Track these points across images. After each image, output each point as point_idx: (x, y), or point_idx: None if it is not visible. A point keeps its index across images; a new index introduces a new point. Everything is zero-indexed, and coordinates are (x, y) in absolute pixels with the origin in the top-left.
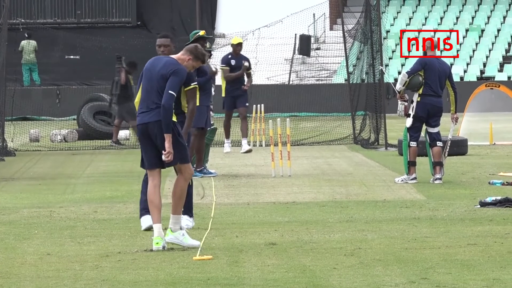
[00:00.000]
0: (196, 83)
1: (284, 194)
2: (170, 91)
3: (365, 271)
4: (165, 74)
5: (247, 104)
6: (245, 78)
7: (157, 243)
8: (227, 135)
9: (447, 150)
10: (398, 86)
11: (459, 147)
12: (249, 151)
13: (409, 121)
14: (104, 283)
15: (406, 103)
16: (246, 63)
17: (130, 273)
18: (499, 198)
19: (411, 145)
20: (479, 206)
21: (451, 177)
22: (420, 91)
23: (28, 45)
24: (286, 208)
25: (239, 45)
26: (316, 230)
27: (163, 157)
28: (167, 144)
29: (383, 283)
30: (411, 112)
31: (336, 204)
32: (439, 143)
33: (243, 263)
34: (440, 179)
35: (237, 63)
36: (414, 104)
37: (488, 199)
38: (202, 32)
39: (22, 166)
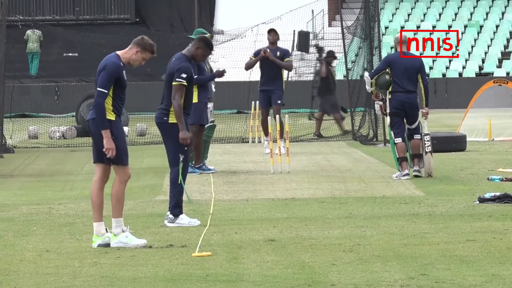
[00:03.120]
0: (180, 80)
1: (283, 191)
2: (98, 88)
3: (364, 267)
4: (99, 70)
5: (279, 101)
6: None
7: (93, 241)
8: (266, 133)
9: (429, 145)
10: (367, 87)
11: (458, 143)
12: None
13: (388, 120)
14: (103, 280)
15: (381, 103)
16: (268, 50)
17: (129, 270)
18: (498, 194)
19: (396, 141)
20: (478, 202)
21: (450, 173)
22: (390, 89)
23: (33, 34)
24: (285, 204)
25: (270, 32)
26: (315, 226)
27: (107, 154)
28: (105, 140)
29: (382, 279)
30: (387, 111)
31: (335, 200)
32: (417, 136)
33: (242, 259)
34: (418, 171)
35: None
36: (387, 102)
37: (487, 195)
38: (208, 35)
39: (21, 163)
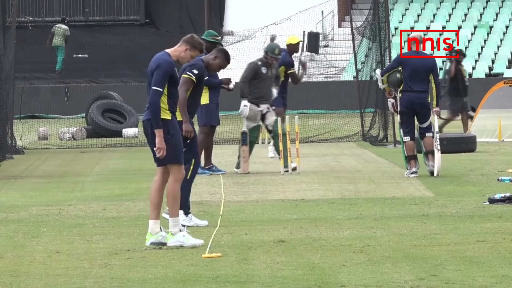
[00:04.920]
0: (190, 74)
1: (293, 191)
2: (153, 87)
3: (374, 268)
4: (152, 70)
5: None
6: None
7: (147, 239)
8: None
9: (438, 143)
10: (379, 84)
11: (467, 144)
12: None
13: (398, 118)
14: (113, 281)
15: (393, 100)
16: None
17: (139, 271)
18: (508, 194)
19: (404, 140)
20: (488, 203)
21: (460, 174)
22: (401, 88)
23: (58, 29)
24: (295, 205)
25: (297, 44)
26: (325, 227)
27: (156, 154)
28: (158, 140)
29: (392, 280)
30: (398, 109)
31: (345, 201)
32: (429, 134)
33: (252, 260)
34: (434, 166)
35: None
36: (398, 100)
37: (497, 196)
38: (219, 38)
39: (31, 164)
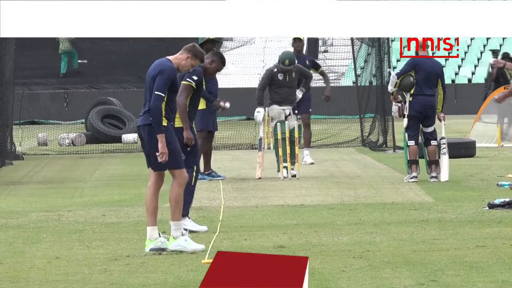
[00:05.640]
0: (189, 81)
1: (292, 197)
2: (155, 92)
3: (374, 274)
4: (154, 75)
5: (310, 110)
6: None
7: (146, 245)
8: None
9: (445, 148)
10: (390, 88)
11: (467, 149)
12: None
13: (405, 122)
14: (113, 287)
15: (399, 104)
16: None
17: (139, 277)
18: (507, 200)
19: (409, 144)
20: (487, 208)
21: (460, 179)
22: (412, 91)
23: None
24: (294, 210)
25: (295, 40)
26: (324, 233)
27: (158, 159)
28: (160, 145)
29: (392, 285)
30: (406, 113)
31: (345, 206)
32: (433, 142)
33: None
34: (436, 177)
35: (299, 62)
36: (407, 104)
37: (497, 201)
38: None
39: (30, 170)
